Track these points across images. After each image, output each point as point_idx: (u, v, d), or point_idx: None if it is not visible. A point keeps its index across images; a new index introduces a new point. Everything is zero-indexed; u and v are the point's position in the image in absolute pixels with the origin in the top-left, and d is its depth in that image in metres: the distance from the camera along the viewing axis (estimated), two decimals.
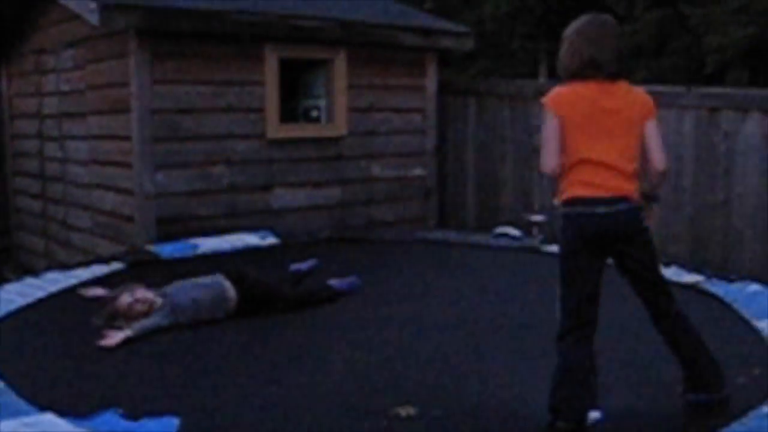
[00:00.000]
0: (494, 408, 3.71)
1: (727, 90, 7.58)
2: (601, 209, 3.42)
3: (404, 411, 3.61)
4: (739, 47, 15.14)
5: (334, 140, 7.98)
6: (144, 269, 6.00)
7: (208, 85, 7.20)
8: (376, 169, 8.32)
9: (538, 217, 7.52)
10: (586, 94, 3.49)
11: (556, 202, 3.57)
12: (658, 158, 3.55)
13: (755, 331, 4.63)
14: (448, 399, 3.80)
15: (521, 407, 3.70)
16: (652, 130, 3.54)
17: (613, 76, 3.51)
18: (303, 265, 6.04)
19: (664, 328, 3.64)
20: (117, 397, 3.77)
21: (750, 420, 3.32)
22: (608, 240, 3.45)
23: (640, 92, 3.60)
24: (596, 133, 3.46)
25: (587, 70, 3.49)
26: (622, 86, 3.54)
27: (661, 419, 3.57)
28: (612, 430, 3.44)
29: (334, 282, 5.68)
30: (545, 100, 3.55)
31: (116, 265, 6.18)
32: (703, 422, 3.47)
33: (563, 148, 3.48)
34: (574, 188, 3.47)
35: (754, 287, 5.38)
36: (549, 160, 3.49)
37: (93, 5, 6.52)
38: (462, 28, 9.20)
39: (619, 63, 3.52)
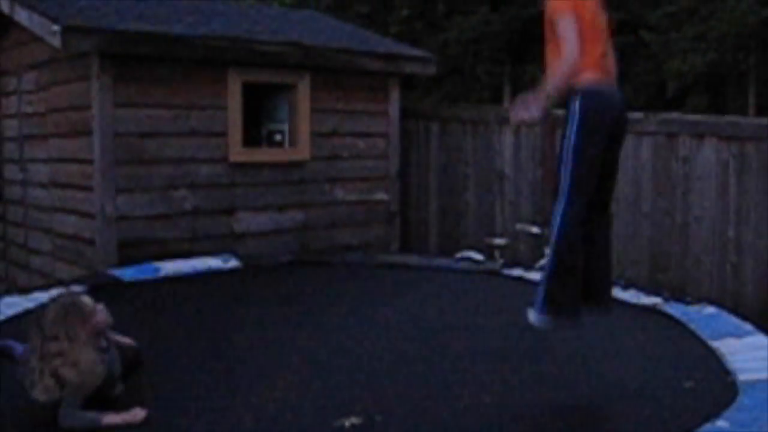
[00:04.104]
0: (438, 416, 3.78)
1: (684, 116, 7.71)
2: None
3: (348, 422, 3.67)
4: (698, 73, 15.44)
5: (297, 164, 8.00)
6: (105, 292, 5.95)
7: (171, 108, 7.20)
8: (339, 193, 8.35)
9: (500, 241, 7.60)
10: None
11: None
12: None
13: (711, 351, 4.69)
14: (397, 408, 3.87)
15: (465, 415, 3.76)
16: None
17: None
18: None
19: (597, 223, 4.03)
20: None
21: None
22: None
23: None
24: None
25: None
26: None
27: None
28: None
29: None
30: None
31: (77, 289, 6.12)
32: None
33: None
34: None
35: (710, 310, 5.48)
36: None
37: (55, 28, 6.52)
38: (425, 54, 9.29)
39: None
